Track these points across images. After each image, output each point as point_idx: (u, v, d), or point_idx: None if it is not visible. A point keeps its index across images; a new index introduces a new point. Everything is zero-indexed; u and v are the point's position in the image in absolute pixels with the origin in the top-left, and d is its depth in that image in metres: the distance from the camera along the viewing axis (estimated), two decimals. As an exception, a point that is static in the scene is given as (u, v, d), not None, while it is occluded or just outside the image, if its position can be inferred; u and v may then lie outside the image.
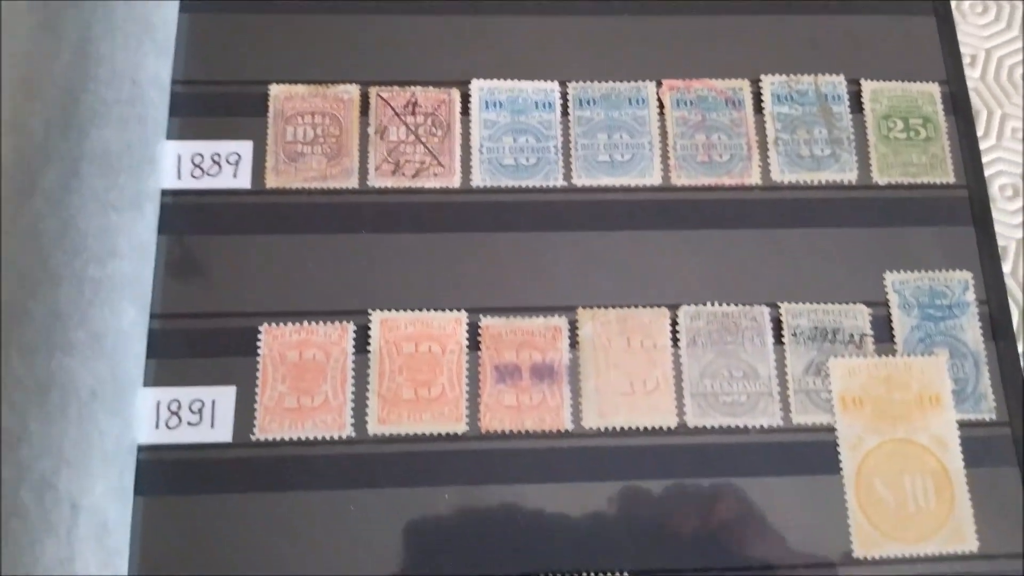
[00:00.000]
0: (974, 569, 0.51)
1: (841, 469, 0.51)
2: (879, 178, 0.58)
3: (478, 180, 0.54)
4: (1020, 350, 0.55)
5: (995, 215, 0.56)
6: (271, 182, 0.55)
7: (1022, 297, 0.56)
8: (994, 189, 0.58)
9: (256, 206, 0.55)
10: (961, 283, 0.55)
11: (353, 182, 0.55)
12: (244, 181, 0.55)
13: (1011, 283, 0.56)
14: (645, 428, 0.52)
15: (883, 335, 0.54)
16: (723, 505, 0.51)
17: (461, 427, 0.52)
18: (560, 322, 0.53)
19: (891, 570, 0.50)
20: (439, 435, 0.52)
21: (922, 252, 0.57)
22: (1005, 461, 0.52)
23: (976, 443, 0.54)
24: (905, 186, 0.57)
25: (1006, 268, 0.56)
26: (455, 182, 0.56)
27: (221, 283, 0.53)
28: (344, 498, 0.50)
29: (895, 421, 0.52)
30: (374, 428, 0.51)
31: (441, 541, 0.50)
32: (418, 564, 0.50)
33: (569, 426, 0.52)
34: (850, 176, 0.57)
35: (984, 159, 0.58)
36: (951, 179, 0.57)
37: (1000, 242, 0.56)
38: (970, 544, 0.51)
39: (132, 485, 0.48)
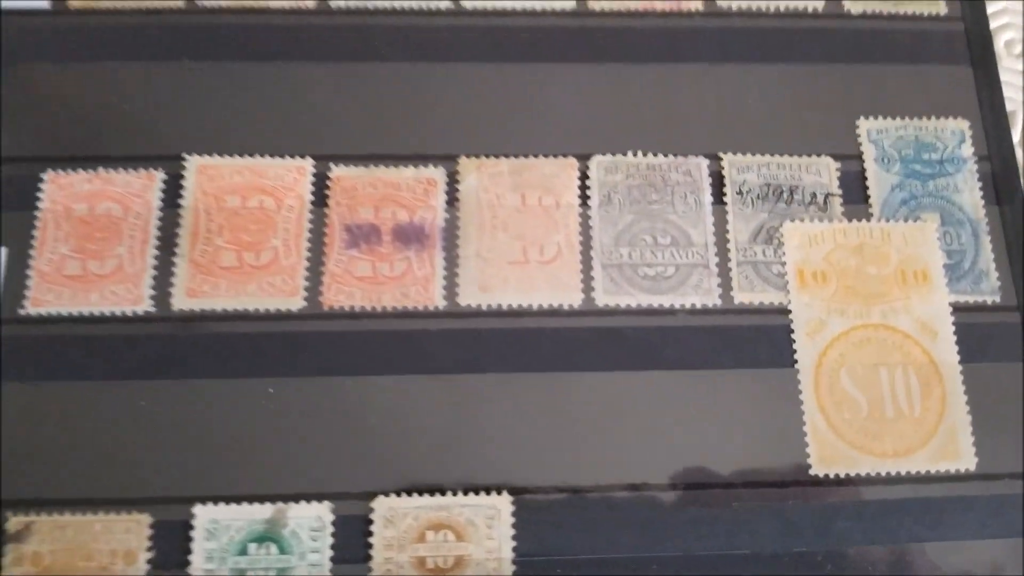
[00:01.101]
0: (969, 492, 0.38)
1: (796, 361, 0.37)
2: (852, 6, 0.48)
3: None
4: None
5: (1001, 75, 0.43)
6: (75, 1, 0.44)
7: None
8: (999, 45, 0.44)
9: (54, 28, 0.45)
10: (956, 134, 0.42)
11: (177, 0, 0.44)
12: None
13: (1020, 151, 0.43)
14: (540, 307, 0.39)
15: (855, 195, 0.44)
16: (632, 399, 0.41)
17: (297, 302, 0.41)
18: (435, 173, 0.41)
19: (860, 493, 0.37)
20: (266, 312, 0.41)
21: (906, 95, 0.46)
22: (1010, 355, 0.39)
23: (974, 331, 0.43)
24: (884, 16, 0.45)
25: (1015, 136, 0.42)
26: (309, 1, 0.45)
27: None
28: (139, 390, 0.36)
29: (869, 301, 0.39)
30: (181, 302, 0.39)
31: (261, 450, 0.40)
32: (230, 480, 0.39)
33: (440, 303, 0.42)
34: (815, 3, 0.47)
35: (989, 9, 0.45)
36: (943, 10, 0.43)
37: (1008, 106, 0.43)
38: (965, 461, 0.39)
39: None
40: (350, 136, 0.42)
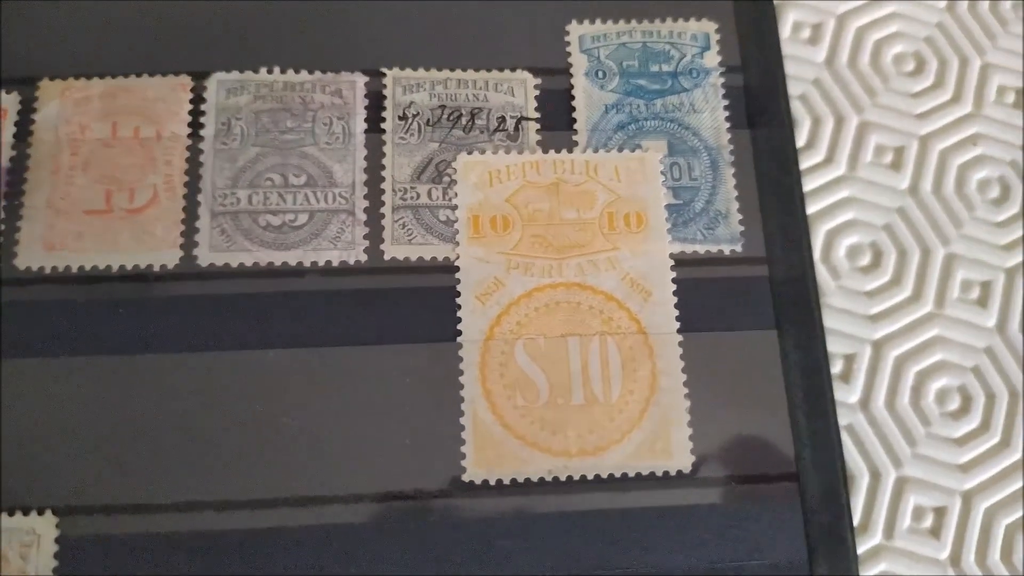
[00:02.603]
0: (681, 500, 0.27)
1: (459, 333, 0.27)
2: None
3: None
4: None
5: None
6: None
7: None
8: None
9: None
10: (698, 39, 0.32)
11: None
12: None
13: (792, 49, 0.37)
14: (123, 268, 0.28)
15: (556, 119, 0.35)
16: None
17: None
18: (6, 101, 0.32)
19: (531, 504, 0.27)
20: None
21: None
22: (754, 321, 0.29)
23: (705, 291, 0.33)
24: None
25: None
26: None
27: None
28: None
29: (563, 254, 0.30)
30: None
31: None
32: None
33: (-11, 266, 0.29)
34: None
35: None
36: None
37: None
38: (679, 460, 0.28)
39: None
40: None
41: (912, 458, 0.33)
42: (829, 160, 0.35)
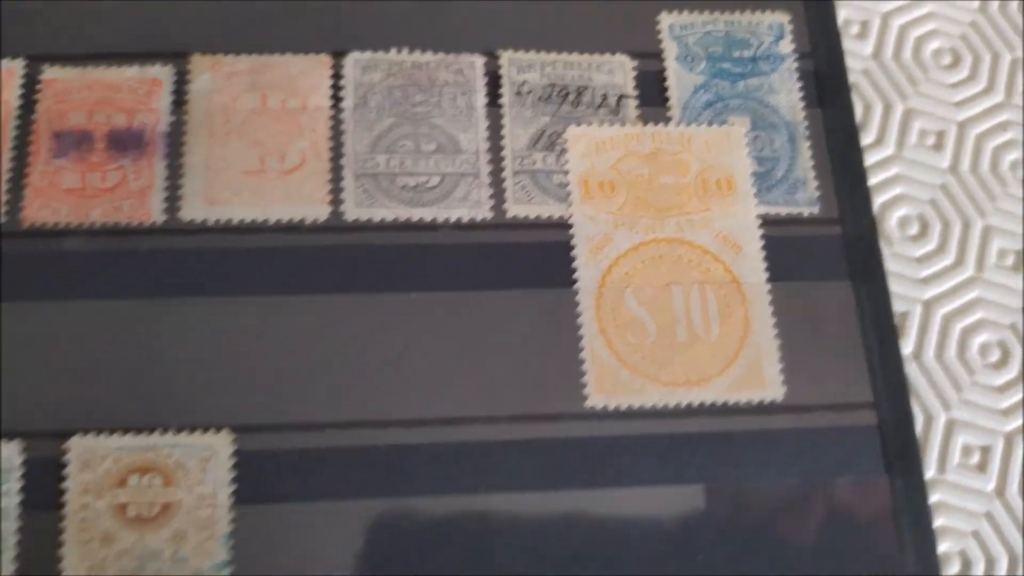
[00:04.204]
0: (775, 425, 0.34)
1: (575, 281, 0.34)
2: None
3: None
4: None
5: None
6: None
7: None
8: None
9: None
10: (773, 29, 0.39)
11: None
12: None
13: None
14: (278, 222, 0.34)
15: (652, 97, 0.42)
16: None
17: (-8, 217, 0.35)
18: (161, 73, 0.38)
19: (644, 426, 0.33)
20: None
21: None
22: (828, 272, 0.35)
23: (787, 247, 0.40)
24: None
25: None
26: None
27: None
28: None
29: (664, 214, 0.37)
30: None
31: None
32: None
33: (158, 217, 0.39)
34: None
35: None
36: None
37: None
38: (772, 391, 0.37)
39: None
40: (66, 34, 0.38)
41: (959, 403, 0.39)
42: (879, 141, 0.42)
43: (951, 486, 0.37)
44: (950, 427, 0.38)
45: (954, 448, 0.38)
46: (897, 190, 0.41)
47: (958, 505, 0.37)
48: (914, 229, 0.40)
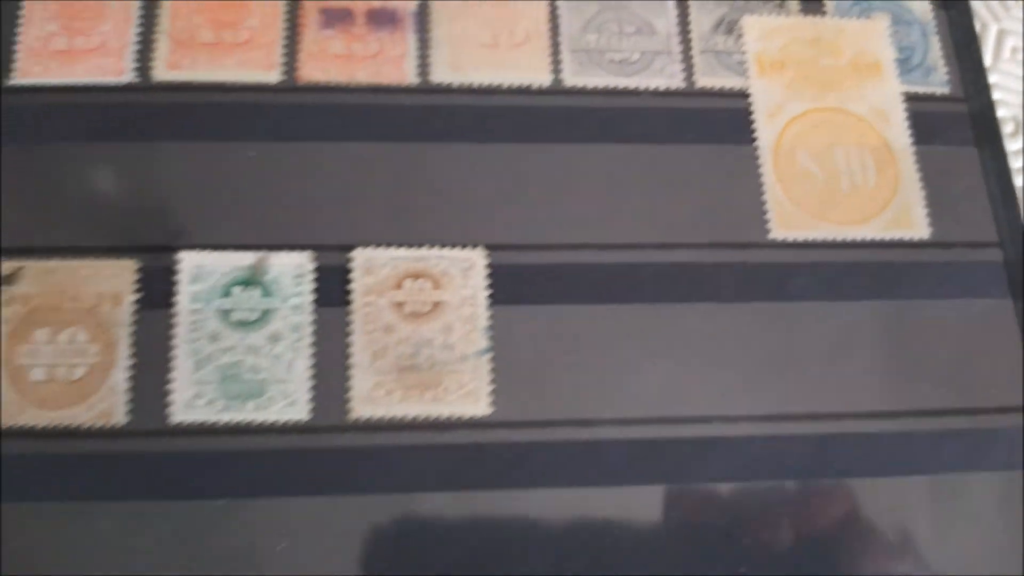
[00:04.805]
0: (923, 258, 0.43)
1: (755, 139, 0.44)
2: None
3: None
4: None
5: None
6: None
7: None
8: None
9: None
10: None
11: None
12: None
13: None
14: (510, 86, 0.44)
15: None
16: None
17: (274, 76, 0.46)
18: None
19: (818, 255, 0.43)
20: (244, 85, 0.45)
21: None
22: (960, 140, 0.46)
23: (925, 118, 0.49)
24: None
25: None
26: None
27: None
28: (124, 150, 0.42)
29: (824, 88, 0.46)
30: (162, 74, 0.44)
31: (244, 206, 0.45)
32: (214, 232, 0.45)
33: (414, 79, 0.47)
34: None
35: None
36: None
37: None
38: (919, 230, 0.44)
39: None
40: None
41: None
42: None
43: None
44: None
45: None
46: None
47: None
48: (1009, 128, 0.50)
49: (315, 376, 0.42)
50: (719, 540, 0.40)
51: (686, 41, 0.47)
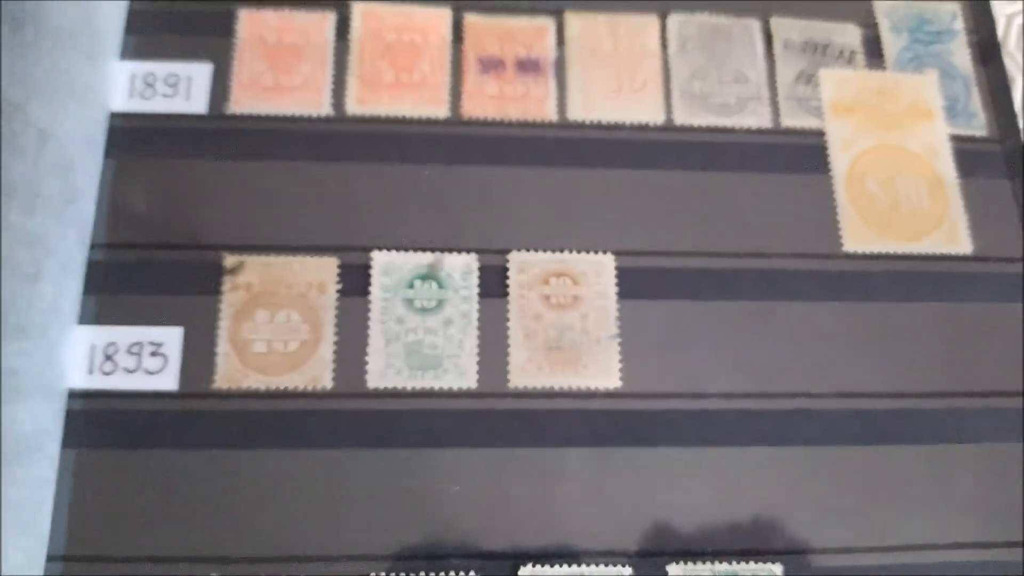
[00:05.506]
0: (965, 269, 0.55)
1: (830, 169, 0.56)
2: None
3: None
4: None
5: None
6: None
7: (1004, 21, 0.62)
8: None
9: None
10: (949, 13, 0.62)
11: None
12: None
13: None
14: (631, 123, 0.56)
15: (873, 53, 0.60)
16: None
17: (442, 112, 0.56)
18: (546, 22, 0.58)
19: (882, 265, 0.55)
20: (419, 119, 0.56)
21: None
22: (996, 173, 0.58)
23: (967, 156, 0.59)
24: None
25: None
26: None
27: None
28: (327, 171, 0.55)
29: (887, 129, 0.58)
30: (353, 108, 0.55)
31: (422, 215, 0.55)
32: (399, 235, 0.55)
33: (554, 117, 0.57)
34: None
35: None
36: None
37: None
38: (963, 246, 0.56)
39: (103, 147, 0.55)
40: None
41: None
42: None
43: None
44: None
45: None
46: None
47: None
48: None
49: (480, 352, 0.53)
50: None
51: (773, 89, 0.59)
